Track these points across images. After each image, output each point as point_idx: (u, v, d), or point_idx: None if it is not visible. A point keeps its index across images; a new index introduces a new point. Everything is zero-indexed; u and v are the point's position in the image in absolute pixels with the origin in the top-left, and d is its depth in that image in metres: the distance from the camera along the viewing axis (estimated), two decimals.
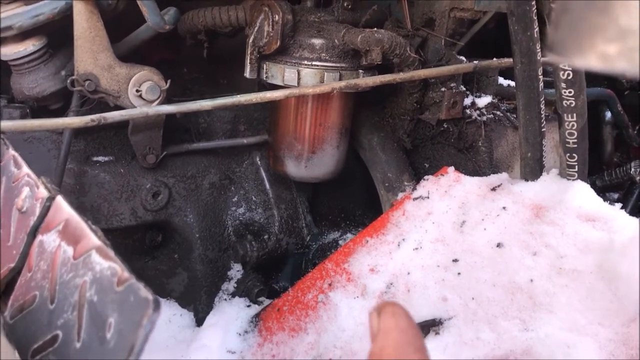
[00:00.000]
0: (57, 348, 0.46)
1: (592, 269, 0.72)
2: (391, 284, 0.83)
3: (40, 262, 0.53)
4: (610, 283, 0.69)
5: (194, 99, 0.94)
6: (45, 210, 0.54)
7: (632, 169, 1.17)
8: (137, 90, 0.82)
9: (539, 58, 0.78)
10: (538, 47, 0.77)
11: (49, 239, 0.53)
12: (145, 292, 0.41)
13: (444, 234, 0.85)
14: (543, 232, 0.78)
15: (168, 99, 0.89)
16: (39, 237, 0.54)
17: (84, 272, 0.47)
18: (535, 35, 0.76)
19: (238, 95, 0.80)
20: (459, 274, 0.79)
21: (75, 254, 0.49)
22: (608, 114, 1.25)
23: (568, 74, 0.74)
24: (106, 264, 0.46)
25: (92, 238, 0.48)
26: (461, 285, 0.78)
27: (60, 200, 0.54)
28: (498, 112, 0.98)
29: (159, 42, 0.89)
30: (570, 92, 0.76)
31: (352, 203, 1.08)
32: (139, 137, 0.88)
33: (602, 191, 1.23)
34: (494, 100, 0.97)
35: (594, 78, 1.29)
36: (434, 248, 0.85)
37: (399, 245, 0.87)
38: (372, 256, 0.88)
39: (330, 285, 0.88)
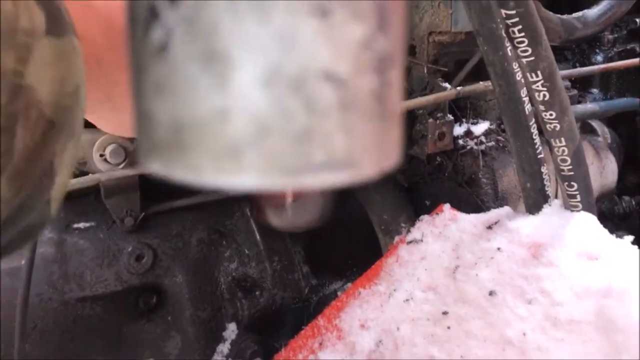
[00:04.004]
0: None
1: (590, 317, 0.64)
2: (380, 341, 0.79)
3: None
4: (608, 334, 0.61)
5: None
6: None
7: None
8: (101, 155, 0.83)
9: (517, 78, 0.72)
10: (514, 67, 0.71)
11: None
12: None
13: (436, 282, 0.80)
14: (539, 276, 0.71)
15: None
16: None
17: None
18: (509, 54, 0.71)
19: None
20: (448, 327, 0.73)
21: None
22: None
23: (544, 95, 0.68)
24: None
25: None
26: (450, 341, 0.72)
27: None
28: (501, 138, 0.91)
29: None
30: (551, 115, 0.69)
31: (358, 247, 1.04)
32: (114, 200, 0.88)
33: None
34: (492, 127, 0.90)
35: (633, 85, 1.19)
36: (425, 298, 0.79)
37: (390, 296, 0.82)
38: (364, 310, 0.84)
39: (320, 344, 0.84)
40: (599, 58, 1.16)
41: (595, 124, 1.07)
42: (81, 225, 0.92)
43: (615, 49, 1.16)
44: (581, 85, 1.15)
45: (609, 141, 1.07)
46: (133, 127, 0.18)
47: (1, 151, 0.29)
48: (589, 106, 1.01)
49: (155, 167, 0.18)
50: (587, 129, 1.08)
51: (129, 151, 0.84)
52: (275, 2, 0.16)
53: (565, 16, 0.81)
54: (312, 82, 0.16)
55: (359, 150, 0.17)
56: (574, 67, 1.13)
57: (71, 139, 0.34)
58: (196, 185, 0.17)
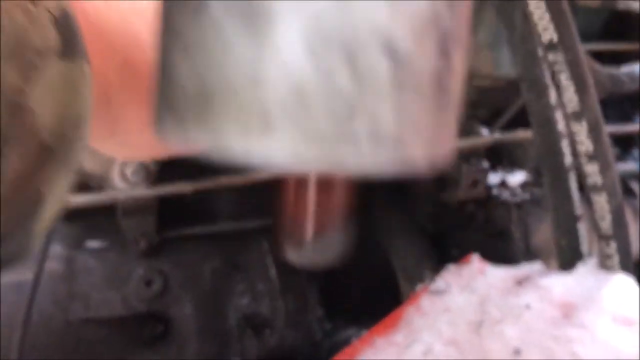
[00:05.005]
0: None
1: None
2: None
3: None
4: None
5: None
6: None
7: None
8: (122, 172, 0.82)
9: (559, 129, 0.70)
10: (556, 117, 0.69)
11: None
12: None
13: (459, 336, 0.77)
14: (570, 338, 0.68)
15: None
16: None
17: None
18: (552, 104, 0.69)
19: (221, 177, 0.78)
20: None
21: None
22: None
23: (587, 147, 0.66)
24: None
25: None
26: None
27: None
28: (536, 191, 0.89)
29: None
30: (594, 168, 0.67)
31: (376, 293, 1.01)
32: (130, 221, 0.87)
33: None
34: (528, 178, 0.88)
35: None
36: (445, 353, 0.76)
37: (407, 347, 0.79)
38: (378, 359, 0.81)
39: None
40: None
41: (634, 184, 1.05)
42: (94, 244, 0.91)
43: None
44: (621, 143, 1.13)
45: None
46: (152, 90, 0.17)
47: None
48: (629, 165, 0.99)
49: (172, 128, 0.16)
50: (625, 190, 1.05)
51: (150, 171, 0.84)
52: None
53: (613, 70, 0.79)
54: (366, 52, 0.14)
55: (408, 130, 0.15)
56: (615, 125, 1.11)
57: (67, 170, 0.33)
58: (216, 151, 0.15)
